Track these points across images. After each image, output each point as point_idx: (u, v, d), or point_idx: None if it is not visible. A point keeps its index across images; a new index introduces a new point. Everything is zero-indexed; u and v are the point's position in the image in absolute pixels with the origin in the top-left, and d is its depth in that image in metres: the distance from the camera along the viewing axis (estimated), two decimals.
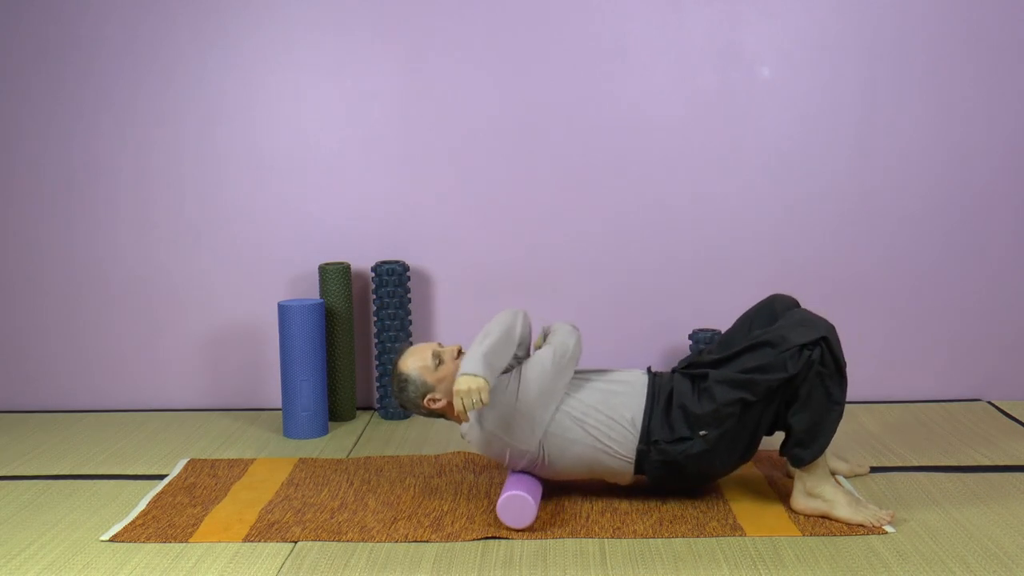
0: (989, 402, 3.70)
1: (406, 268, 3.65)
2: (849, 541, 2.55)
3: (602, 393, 2.78)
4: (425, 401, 2.79)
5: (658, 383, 2.80)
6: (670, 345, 3.72)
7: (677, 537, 2.60)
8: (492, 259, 3.74)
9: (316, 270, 3.74)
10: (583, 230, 3.72)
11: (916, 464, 3.09)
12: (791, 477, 2.94)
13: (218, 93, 3.70)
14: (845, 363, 2.65)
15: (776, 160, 3.67)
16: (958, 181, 3.66)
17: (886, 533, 2.58)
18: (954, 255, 3.69)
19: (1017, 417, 3.52)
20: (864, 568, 2.40)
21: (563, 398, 2.75)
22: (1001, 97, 3.62)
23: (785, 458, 2.73)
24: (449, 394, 2.76)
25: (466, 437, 2.78)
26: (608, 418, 2.73)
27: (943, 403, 3.69)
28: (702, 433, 2.68)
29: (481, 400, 2.57)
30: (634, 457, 2.74)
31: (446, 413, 2.82)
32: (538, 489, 2.75)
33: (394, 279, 3.62)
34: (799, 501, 2.71)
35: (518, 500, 2.64)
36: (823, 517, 2.67)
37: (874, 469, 3.04)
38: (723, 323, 3.63)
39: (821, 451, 2.67)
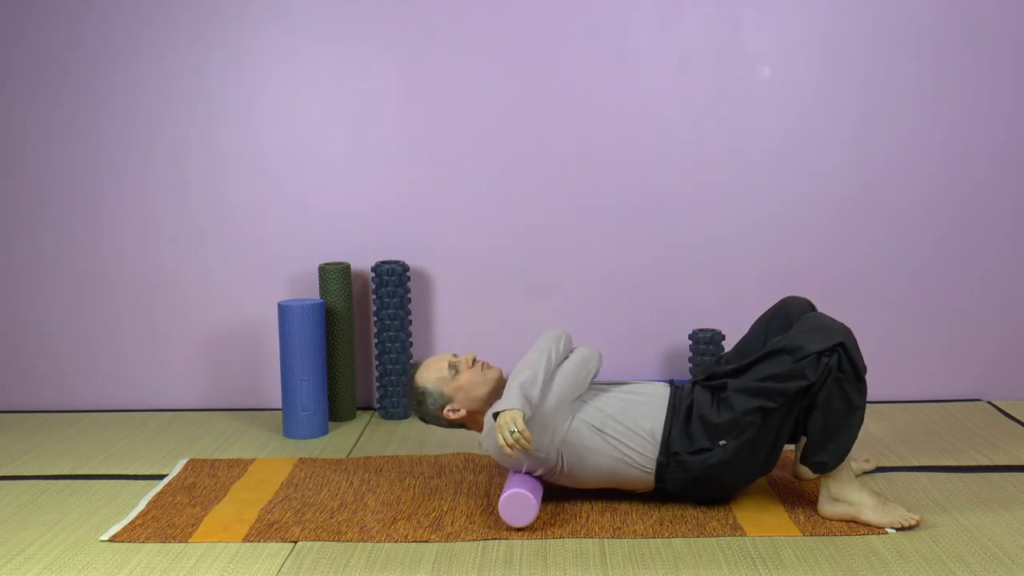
0: (989, 402, 3.70)
1: (406, 268, 3.65)
2: (849, 541, 2.55)
3: (622, 403, 2.76)
4: (444, 412, 2.79)
5: (679, 395, 2.78)
6: (671, 345, 3.71)
7: (677, 537, 2.59)
8: (492, 259, 3.74)
9: (316, 270, 3.74)
10: (583, 230, 3.71)
11: (916, 464, 3.09)
12: (798, 478, 2.94)
13: (220, 95, 3.70)
14: (865, 367, 2.60)
15: (776, 159, 3.67)
16: (957, 179, 3.66)
17: (887, 533, 2.58)
18: (954, 254, 3.69)
19: (1017, 417, 3.52)
20: (864, 568, 2.40)
21: (582, 407, 2.73)
22: (998, 95, 3.62)
23: (806, 466, 2.68)
24: (468, 403, 2.77)
25: (484, 445, 2.75)
26: (627, 428, 2.71)
27: (943, 403, 3.69)
28: (721, 443, 2.64)
29: (517, 429, 2.53)
30: (654, 468, 2.71)
31: (466, 423, 2.82)
32: (539, 488, 2.75)
33: (394, 279, 3.62)
34: (825, 507, 2.68)
35: (519, 498, 2.64)
36: (851, 521, 2.64)
37: (874, 469, 3.04)
38: (723, 323, 3.65)
39: (843, 457, 2.62)
